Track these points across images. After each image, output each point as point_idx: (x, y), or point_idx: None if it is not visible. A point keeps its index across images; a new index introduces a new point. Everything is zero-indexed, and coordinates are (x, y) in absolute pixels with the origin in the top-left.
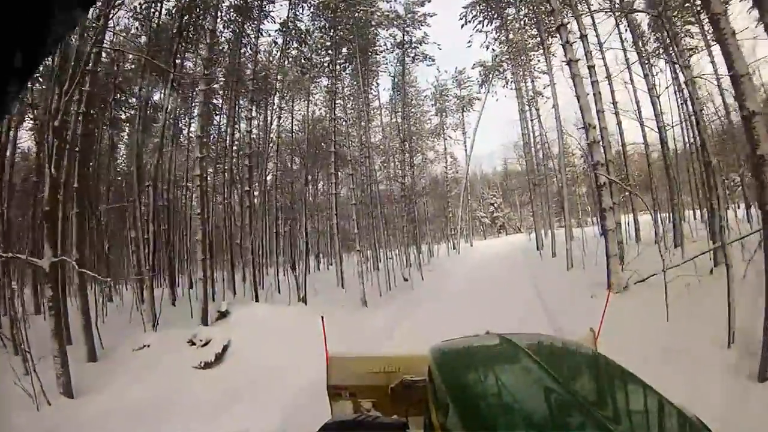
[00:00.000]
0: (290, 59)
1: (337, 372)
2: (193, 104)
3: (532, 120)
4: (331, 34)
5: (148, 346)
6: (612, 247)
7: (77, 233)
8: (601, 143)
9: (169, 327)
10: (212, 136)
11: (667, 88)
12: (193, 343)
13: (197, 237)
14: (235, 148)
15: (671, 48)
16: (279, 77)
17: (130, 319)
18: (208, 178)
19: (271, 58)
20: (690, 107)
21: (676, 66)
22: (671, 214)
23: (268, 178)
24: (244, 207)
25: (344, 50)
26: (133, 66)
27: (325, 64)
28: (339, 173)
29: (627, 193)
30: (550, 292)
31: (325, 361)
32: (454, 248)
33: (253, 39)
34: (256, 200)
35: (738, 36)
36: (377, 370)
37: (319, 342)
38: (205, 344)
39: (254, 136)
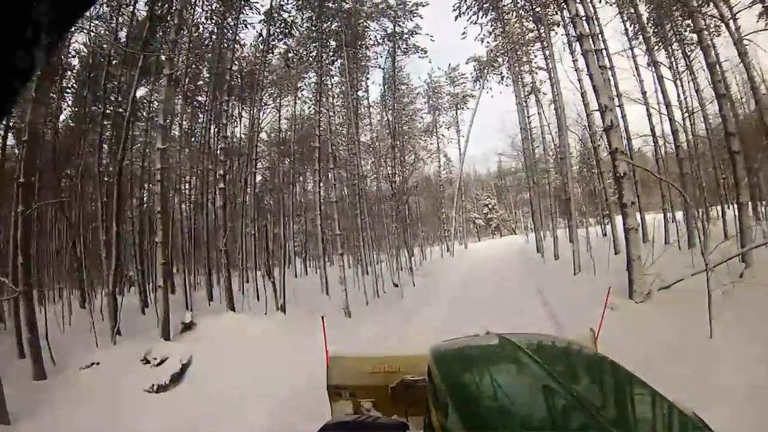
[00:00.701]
0: (275, 53)
1: (337, 372)
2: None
3: (529, 117)
4: (318, 25)
5: (98, 364)
6: (634, 249)
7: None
8: (619, 128)
9: (130, 339)
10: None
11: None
12: (147, 362)
13: (157, 238)
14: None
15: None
16: (265, 72)
17: (92, 329)
18: (193, 178)
19: (256, 52)
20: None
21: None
22: (685, 212)
23: (258, 178)
24: (216, 207)
25: (332, 42)
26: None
27: (312, 58)
28: (330, 173)
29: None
30: (558, 301)
31: (315, 364)
32: (447, 250)
33: (232, 25)
34: (238, 200)
35: None
36: (377, 370)
37: (295, 357)
38: (161, 363)
39: (238, 133)
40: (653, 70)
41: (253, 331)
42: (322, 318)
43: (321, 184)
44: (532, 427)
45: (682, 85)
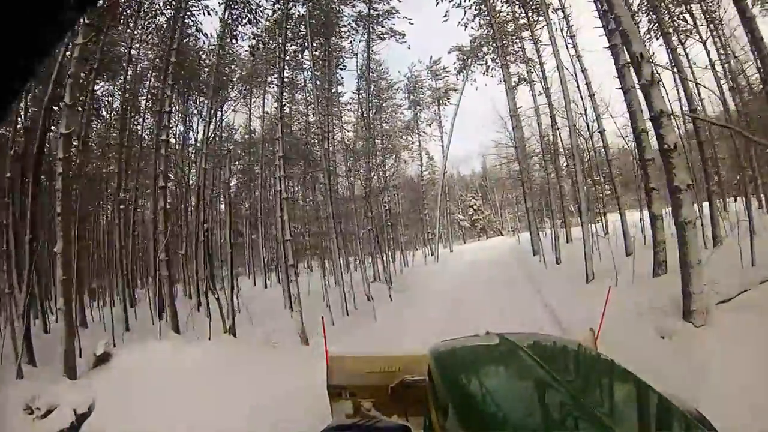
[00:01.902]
0: (240, 42)
1: (337, 372)
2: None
3: (519, 107)
4: (285, 8)
5: None
6: (692, 251)
7: None
8: (660, 84)
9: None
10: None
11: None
12: (31, 411)
13: (57, 248)
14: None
15: None
16: (232, 66)
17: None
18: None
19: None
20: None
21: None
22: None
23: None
24: (158, 208)
25: (301, 29)
26: None
27: (279, 46)
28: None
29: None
30: (579, 325)
31: (267, 407)
32: (431, 254)
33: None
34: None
35: None
36: (377, 370)
37: (241, 399)
38: (47, 414)
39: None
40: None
41: (187, 363)
42: (322, 318)
43: (281, 182)
44: (532, 426)
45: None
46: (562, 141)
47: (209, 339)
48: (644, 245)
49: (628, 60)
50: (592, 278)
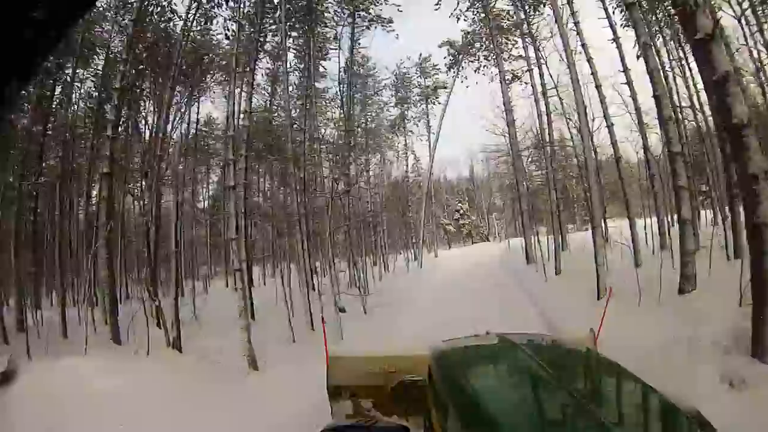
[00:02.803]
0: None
1: (337, 372)
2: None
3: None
4: None
5: None
6: None
7: None
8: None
9: None
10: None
11: None
12: None
13: None
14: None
15: None
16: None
17: None
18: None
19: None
20: None
21: None
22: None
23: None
24: (101, 198)
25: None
26: None
27: (255, 26)
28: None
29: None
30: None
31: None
32: (415, 259)
33: None
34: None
35: None
36: (377, 370)
37: None
38: None
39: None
40: None
41: (107, 388)
42: (322, 318)
43: (235, 173)
44: (532, 426)
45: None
46: (551, 137)
47: (147, 354)
48: (652, 255)
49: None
50: (605, 294)
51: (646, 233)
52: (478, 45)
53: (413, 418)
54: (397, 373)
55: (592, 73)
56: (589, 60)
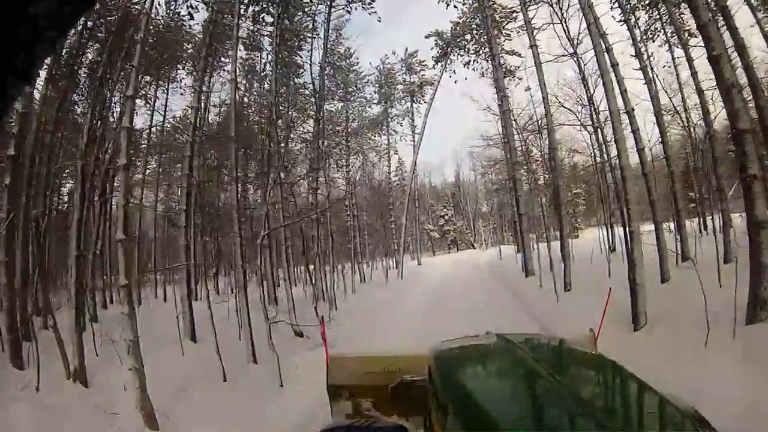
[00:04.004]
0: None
1: (337, 372)
2: None
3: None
4: None
5: None
6: None
7: None
8: None
9: None
10: None
11: None
12: None
13: None
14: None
15: None
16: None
17: None
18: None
19: None
20: None
21: None
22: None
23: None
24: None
25: None
26: None
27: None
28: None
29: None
30: None
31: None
32: (396, 268)
33: None
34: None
35: None
36: (377, 370)
37: None
38: None
39: None
40: None
41: None
42: (322, 318)
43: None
44: (532, 427)
45: None
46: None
47: (37, 390)
48: (676, 266)
49: None
50: (644, 323)
51: (676, 238)
52: (468, 37)
53: (413, 418)
54: (397, 373)
55: (612, 65)
56: (608, 50)
